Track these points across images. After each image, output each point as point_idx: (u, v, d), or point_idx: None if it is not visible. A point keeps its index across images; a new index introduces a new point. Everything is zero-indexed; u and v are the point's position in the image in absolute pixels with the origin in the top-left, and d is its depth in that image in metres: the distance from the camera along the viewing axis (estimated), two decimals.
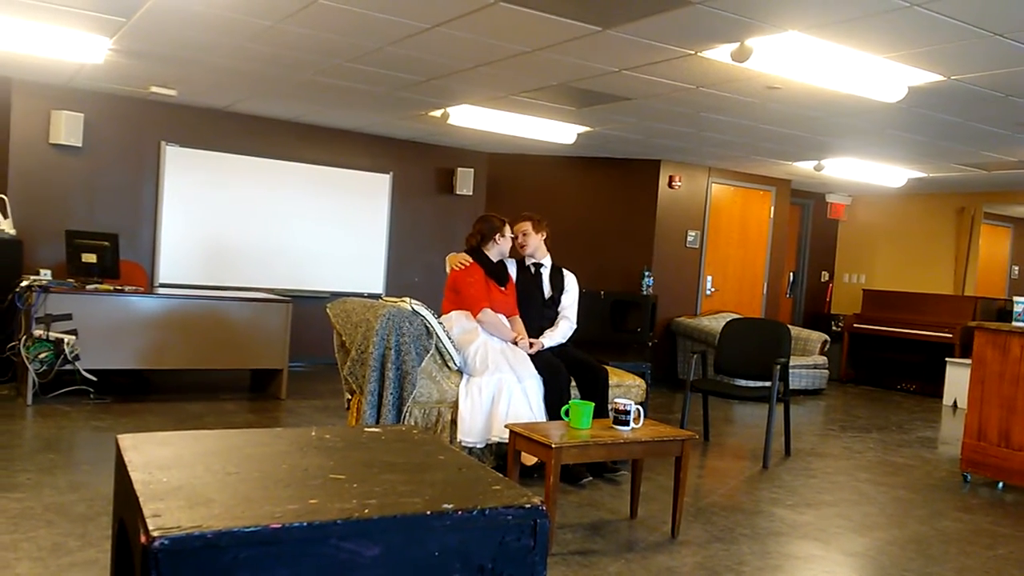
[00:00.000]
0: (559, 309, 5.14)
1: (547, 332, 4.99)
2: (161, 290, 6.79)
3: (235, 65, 5.77)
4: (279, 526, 1.23)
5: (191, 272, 7.68)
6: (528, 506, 1.43)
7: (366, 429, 1.86)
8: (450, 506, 1.38)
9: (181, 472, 1.46)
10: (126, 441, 1.60)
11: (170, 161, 7.56)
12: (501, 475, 1.61)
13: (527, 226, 5.09)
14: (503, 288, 4.99)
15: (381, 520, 1.31)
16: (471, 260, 4.88)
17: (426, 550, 1.34)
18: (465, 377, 4.70)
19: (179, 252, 7.65)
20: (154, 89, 6.79)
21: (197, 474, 1.46)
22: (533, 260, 5.14)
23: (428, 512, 1.35)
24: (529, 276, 5.13)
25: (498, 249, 4.95)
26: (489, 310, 4.78)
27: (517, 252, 5.11)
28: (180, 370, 6.65)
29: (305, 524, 1.25)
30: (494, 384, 4.58)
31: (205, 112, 7.70)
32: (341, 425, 5.42)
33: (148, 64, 5.94)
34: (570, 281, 5.21)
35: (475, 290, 4.80)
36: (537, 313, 5.08)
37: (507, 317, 4.95)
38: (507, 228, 4.99)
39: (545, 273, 5.16)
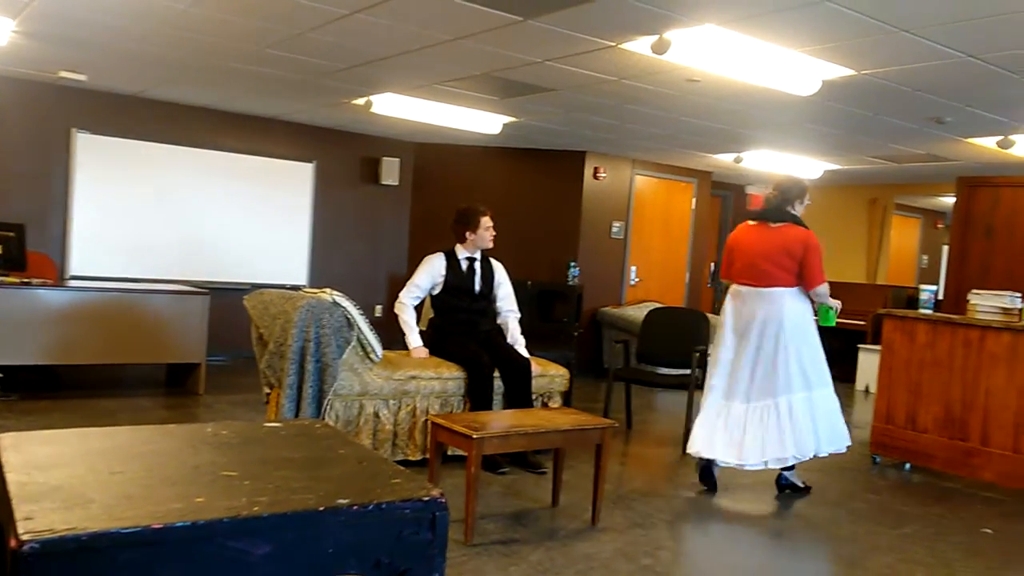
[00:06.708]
0: (497, 304, 5.10)
1: (517, 342, 5.04)
2: (72, 282, 6.53)
3: (147, 50, 5.56)
4: (160, 526, 1.19)
5: (105, 264, 7.40)
6: (427, 499, 1.41)
7: (266, 424, 1.81)
8: (345, 501, 1.35)
9: (61, 472, 1.39)
10: (5, 440, 1.52)
11: (81, 149, 7.27)
12: (402, 467, 1.59)
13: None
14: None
15: (271, 517, 1.27)
16: None
17: (319, 547, 1.31)
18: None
19: (92, 243, 7.37)
20: (63, 74, 6.51)
21: (78, 474, 1.39)
22: (467, 255, 5.05)
23: (321, 508, 1.32)
24: (461, 271, 5.03)
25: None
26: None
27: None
28: (92, 365, 6.39)
29: (189, 523, 1.21)
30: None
31: (117, 98, 7.42)
32: (259, 420, 5.30)
33: (55, 47, 5.69)
34: (501, 272, 5.17)
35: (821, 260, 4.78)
36: (466, 306, 5.02)
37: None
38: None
39: (477, 266, 5.07)
